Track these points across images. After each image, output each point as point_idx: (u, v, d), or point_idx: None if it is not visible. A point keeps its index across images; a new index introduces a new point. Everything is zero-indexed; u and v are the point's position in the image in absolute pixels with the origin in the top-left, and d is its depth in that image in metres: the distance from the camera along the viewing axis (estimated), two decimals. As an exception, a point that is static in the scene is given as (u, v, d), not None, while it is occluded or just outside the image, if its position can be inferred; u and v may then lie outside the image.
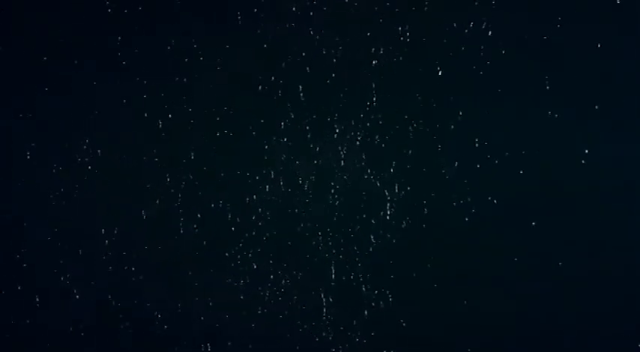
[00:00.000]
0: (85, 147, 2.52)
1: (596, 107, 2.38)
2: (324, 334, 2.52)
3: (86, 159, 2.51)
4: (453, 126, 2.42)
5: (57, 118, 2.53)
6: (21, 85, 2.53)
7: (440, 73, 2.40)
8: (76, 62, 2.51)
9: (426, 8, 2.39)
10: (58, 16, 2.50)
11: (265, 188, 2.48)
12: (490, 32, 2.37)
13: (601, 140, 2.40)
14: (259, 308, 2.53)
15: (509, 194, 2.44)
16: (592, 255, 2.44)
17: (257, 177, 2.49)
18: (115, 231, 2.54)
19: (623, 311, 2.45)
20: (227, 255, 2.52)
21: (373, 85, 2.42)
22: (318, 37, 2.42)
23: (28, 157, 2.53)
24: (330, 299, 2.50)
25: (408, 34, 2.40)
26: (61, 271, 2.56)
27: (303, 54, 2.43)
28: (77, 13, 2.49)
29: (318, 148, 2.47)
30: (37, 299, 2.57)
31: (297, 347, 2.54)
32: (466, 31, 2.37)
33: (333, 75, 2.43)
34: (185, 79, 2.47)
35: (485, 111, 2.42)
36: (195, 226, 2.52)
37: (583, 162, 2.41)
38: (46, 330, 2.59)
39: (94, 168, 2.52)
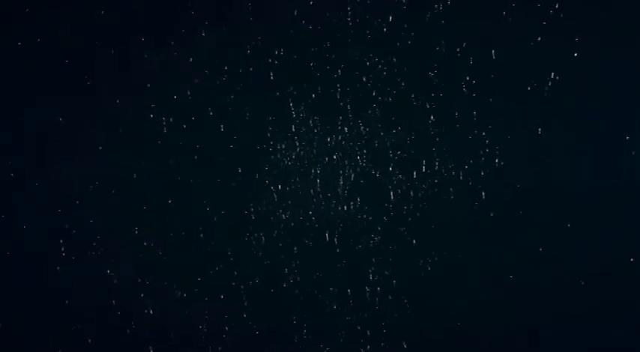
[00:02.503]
0: (107, 144, 2.61)
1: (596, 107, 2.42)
2: (330, 322, 2.62)
3: (108, 157, 2.61)
4: (451, 126, 2.49)
5: (80, 119, 2.58)
6: (30, 87, 2.56)
7: (438, 75, 2.48)
8: (86, 63, 2.54)
9: (427, 16, 2.46)
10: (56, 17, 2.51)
11: (276, 183, 2.59)
12: (489, 35, 2.42)
13: (602, 141, 2.43)
14: (265, 300, 2.64)
15: (508, 191, 2.48)
16: (593, 253, 2.47)
17: (268, 174, 2.60)
18: (136, 226, 2.63)
19: (623, 310, 2.47)
20: (244, 240, 2.62)
21: (374, 89, 2.52)
22: (320, 38, 2.51)
23: (53, 155, 2.60)
24: (336, 288, 2.61)
25: (408, 36, 2.47)
26: (83, 264, 2.64)
27: (309, 55, 2.52)
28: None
29: (324, 146, 2.57)
30: (62, 290, 2.65)
31: (304, 331, 2.64)
32: (464, 34, 2.43)
33: (339, 76, 2.53)
34: (196, 80, 2.55)
35: (484, 111, 2.47)
36: (215, 218, 2.63)
37: (583, 161, 2.44)
38: (75, 318, 2.66)
39: (115, 166, 2.61)
